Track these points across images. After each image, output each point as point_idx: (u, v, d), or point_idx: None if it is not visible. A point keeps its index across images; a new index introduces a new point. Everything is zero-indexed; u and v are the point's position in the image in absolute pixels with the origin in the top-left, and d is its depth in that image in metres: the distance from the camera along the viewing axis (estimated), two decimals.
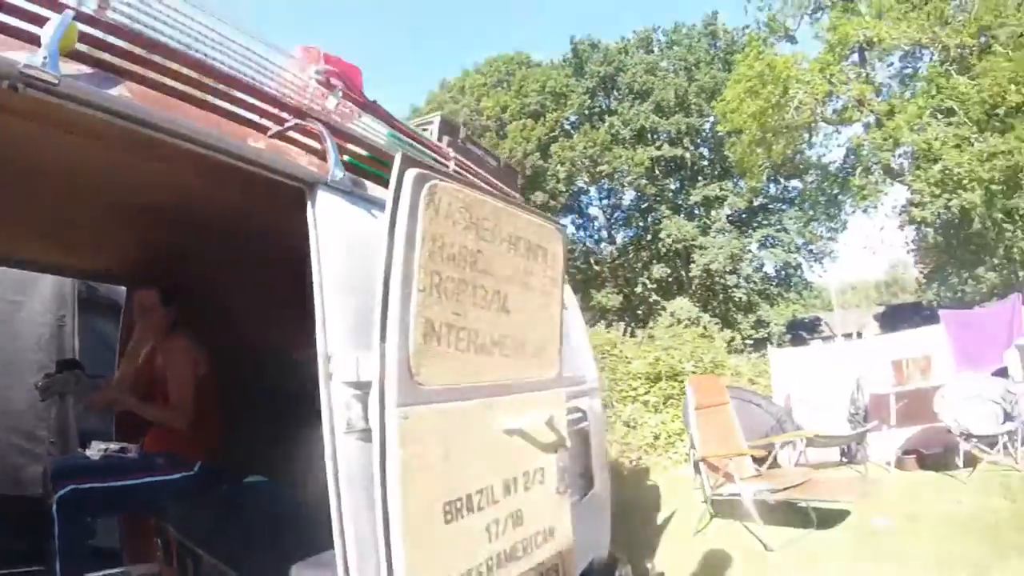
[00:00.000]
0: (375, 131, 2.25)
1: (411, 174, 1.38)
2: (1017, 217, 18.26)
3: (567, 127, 32.23)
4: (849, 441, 7.50)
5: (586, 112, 31.92)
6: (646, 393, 9.43)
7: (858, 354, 8.61)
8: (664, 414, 9.00)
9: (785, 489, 5.20)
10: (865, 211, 23.82)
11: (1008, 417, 6.48)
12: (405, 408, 1.38)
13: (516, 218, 1.70)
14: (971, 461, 6.33)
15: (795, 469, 6.31)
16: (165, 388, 3.00)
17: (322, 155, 1.80)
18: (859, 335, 20.58)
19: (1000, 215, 18.38)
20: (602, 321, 17.54)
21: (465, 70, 34.95)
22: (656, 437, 8.80)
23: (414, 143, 2.43)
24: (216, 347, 3.17)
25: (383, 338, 1.37)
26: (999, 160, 17.29)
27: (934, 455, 6.89)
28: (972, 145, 18.01)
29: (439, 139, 2.88)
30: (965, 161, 17.71)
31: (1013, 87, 17.58)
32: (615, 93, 31.80)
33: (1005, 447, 6.32)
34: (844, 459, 7.63)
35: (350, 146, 2.02)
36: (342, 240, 1.67)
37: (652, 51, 32.39)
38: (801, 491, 5.23)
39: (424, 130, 2.92)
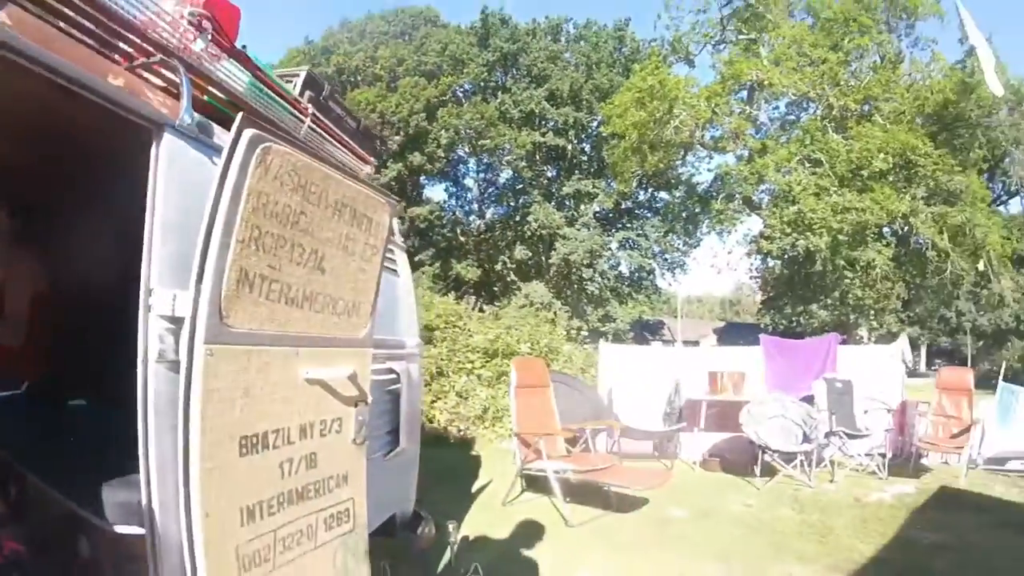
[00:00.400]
0: (237, 79, 2.25)
1: (247, 134, 1.48)
2: (857, 267, 20.22)
3: (459, 94, 32.05)
4: (659, 437, 8.17)
5: (481, 84, 31.88)
6: (482, 367, 9.72)
7: (681, 360, 9.18)
8: (496, 389, 9.31)
9: (588, 471, 5.62)
10: (720, 233, 25.60)
11: (807, 439, 7.26)
12: (212, 345, 1.49)
13: (345, 186, 1.83)
14: (768, 472, 6.98)
15: (601, 455, 6.70)
16: (1, 300, 2.87)
17: (176, 96, 1.82)
18: (697, 344, 22.13)
19: (842, 262, 20.33)
20: (454, 292, 17.70)
21: (370, 13, 33.96)
22: (485, 410, 9.13)
23: (272, 95, 2.44)
24: (58, 270, 3.06)
25: (199, 280, 1.48)
26: (851, 215, 19.21)
27: (736, 461, 7.61)
28: (830, 196, 19.78)
29: (301, 94, 2.90)
30: (820, 209, 19.48)
31: (880, 155, 19.53)
32: (514, 72, 31.91)
33: (801, 464, 7.02)
34: (656, 453, 8.26)
35: (210, 90, 2.03)
36: (178, 183, 1.71)
37: (559, 40, 32.67)
38: (605, 476, 5.66)
39: (288, 82, 2.92)
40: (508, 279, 30.46)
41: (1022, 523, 5.56)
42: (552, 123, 30.39)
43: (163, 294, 1.59)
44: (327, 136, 2.77)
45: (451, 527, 4.13)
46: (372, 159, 3.35)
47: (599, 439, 7.84)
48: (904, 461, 7.94)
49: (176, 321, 1.57)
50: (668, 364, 8.95)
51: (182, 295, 1.54)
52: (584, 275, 29.39)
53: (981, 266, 21.01)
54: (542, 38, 31.92)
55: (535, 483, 5.93)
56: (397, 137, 28.79)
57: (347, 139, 2.96)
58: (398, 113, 28.84)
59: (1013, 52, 54.24)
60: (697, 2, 24.56)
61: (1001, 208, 27.99)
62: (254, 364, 1.60)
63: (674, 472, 7.39)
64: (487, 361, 9.86)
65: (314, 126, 2.64)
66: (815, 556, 4.59)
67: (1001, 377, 9.29)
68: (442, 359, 9.62)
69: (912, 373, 25.61)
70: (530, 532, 4.84)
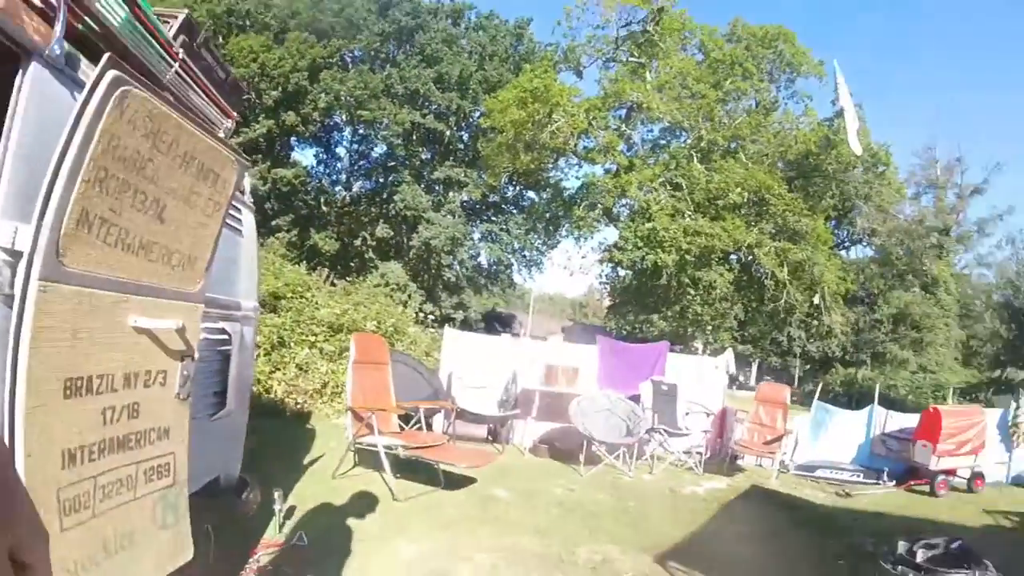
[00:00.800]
0: (114, 13, 2.19)
1: (110, 76, 1.48)
2: (700, 286, 21.69)
3: (347, 59, 31.16)
4: (494, 422, 8.49)
5: (371, 53, 31.21)
6: (325, 341, 9.55)
7: (521, 352, 9.45)
8: (337, 364, 9.17)
9: (418, 448, 5.77)
10: (577, 239, 26.63)
11: (630, 433, 7.91)
12: (46, 282, 1.48)
13: (197, 139, 1.83)
14: (592, 461, 7.48)
15: (432, 433, 6.91)
16: None
17: (50, 23, 1.75)
18: (544, 339, 22.91)
19: (687, 280, 21.73)
20: (308, 262, 17.25)
21: None
22: (324, 385, 8.99)
23: (146, 36, 2.38)
24: None
25: (41, 215, 1.46)
26: (701, 239, 20.67)
27: (564, 450, 8.06)
28: (684, 219, 21.28)
29: (175, 37, 2.82)
30: (673, 229, 20.84)
31: (737, 190, 21.25)
32: (407, 48, 31.35)
33: (623, 456, 7.67)
34: (489, 438, 8.60)
35: (86, 20, 1.96)
36: (37, 114, 1.66)
37: (459, 25, 32.43)
38: (434, 453, 5.83)
39: (165, 23, 2.83)
40: (366, 256, 29.92)
41: (822, 521, 6.31)
42: (435, 106, 30.07)
43: (5, 226, 1.56)
44: (193, 85, 2.71)
45: (277, 495, 4.13)
46: (235, 114, 3.29)
47: (436, 421, 8.04)
48: (720, 461, 8.79)
49: (15, 255, 1.54)
50: (508, 354, 9.24)
51: (24, 228, 1.52)
52: (443, 261, 29.47)
53: (816, 300, 23.15)
54: (443, 20, 31.61)
55: (367, 458, 5.99)
56: (274, 92, 27.45)
57: (212, 90, 2.90)
58: (280, 68, 27.47)
59: (877, 121, 60.76)
60: (597, 18, 25.17)
61: (843, 252, 31.08)
62: (85, 306, 1.59)
63: (504, 456, 7.76)
64: (331, 335, 9.69)
65: (182, 72, 2.57)
66: (627, 538, 4.99)
67: (816, 396, 10.38)
68: (285, 329, 9.36)
69: (742, 386, 27.96)
70: (358, 504, 4.91)
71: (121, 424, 1.77)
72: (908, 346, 30.24)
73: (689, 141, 23.74)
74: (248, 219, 3.31)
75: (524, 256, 32.78)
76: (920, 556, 3.15)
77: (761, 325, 27.16)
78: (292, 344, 9.31)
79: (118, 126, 1.53)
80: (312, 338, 9.54)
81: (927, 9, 58.45)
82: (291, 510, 4.42)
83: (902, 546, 3.24)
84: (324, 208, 31.73)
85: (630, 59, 24.92)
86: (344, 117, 31.09)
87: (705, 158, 22.92)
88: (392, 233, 30.08)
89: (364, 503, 4.97)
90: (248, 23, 29.23)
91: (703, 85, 22.75)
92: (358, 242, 30.63)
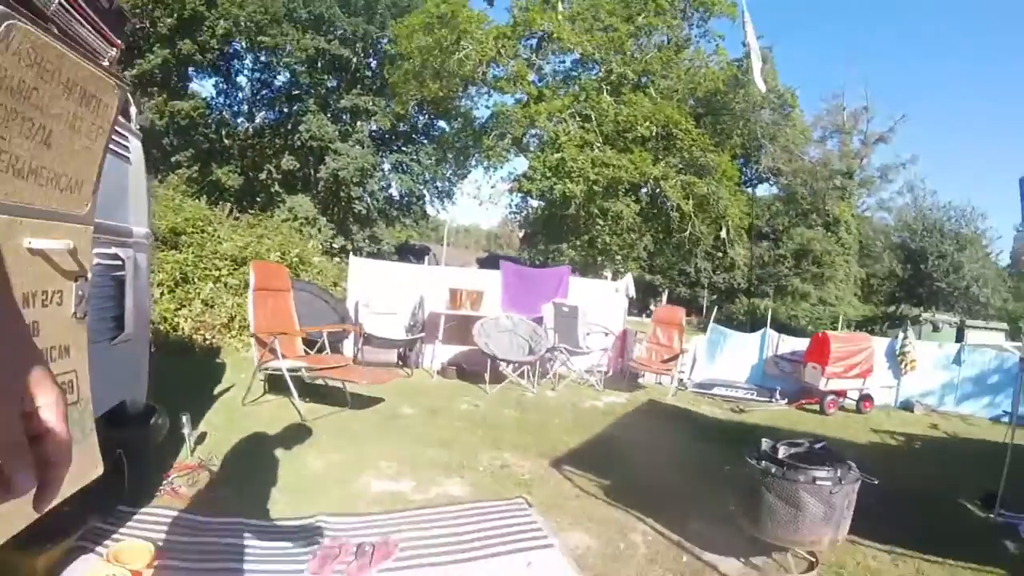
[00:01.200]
0: None
1: None
2: (608, 216, 22.18)
3: None
4: (401, 346, 8.76)
5: None
6: (229, 275, 9.48)
7: (427, 277, 9.68)
8: (243, 298, 9.06)
9: (322, 369, 6.00)
10: (487, 168, 26.61)
11: (532, 352, 8.38)
12: None
13: (78, 66, 1.91)
14: (498, 379, 7.94)
15: (336, 356, 7.07)
16: None
17: None
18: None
19: (596, 211, 22.17)
20: (210, 197, 16.65)
21: None
22: (232, 319, 8.96)
23: None
24: None
25: None
26: (608, 170, 21.06)
27: (471, 371, 8.48)
28: (592, 151, 21.58)
29: None
30: (581, 160, 21.13)
31: (644, 123, 21.68)
32: None
33: (526, 374, 8.17)
34: (399, 362, 8.88)
35: None
36: None
37: None
38: (338, 373, 6.07)
39: None
40: (273, 190, 28.82)
41: (715, 433, 6.89)
42: (341, 32, 28.58)
43: None
44: (76, 15, 2.68)
45: (185, 419, 4.26)
46: (119, 42, 3.24)
47: (346, 348, 8.22)
48: (621, 379, 9.39)
49: None
50: (414, 280, 9.46)
51: None
52: (353, 193, 28.86)
53: (722, 233, 24.15)
54: None
55: (277, 385, 6.15)
56: (169, 20, 25.50)
57: (96, 19, 2.87)
58: None
59: (787, 64, 62.01)
60: None
61: (749, 190, 32.36)
62: None
63: (413, 378, 8.11)
64: (235, 269, 9.59)
65: (65, 3, 2.55)
66: (527, 446, 5.40)
67: (712, 319, 11.09)
68: (188, 265, 9.18)
69: (651, 315, 29.15)
70: (267, 427, 5.09)
71: None
72: (809, 280, 32.61)
73: (600, 74, 23.86)
74: (136, 146, 3.32)
75: (436, 187, 32.40)
76: (782, 453, 3.36)
77: (668, 256, 28.32)
78: (196, 280, 9.19)
79: (4, 58, 1.60)
80: (216, 273, 9.44)
81: None
82: (202, 436, 4.58)
83: (766, 443, 3.42)
84: (226, 141, 30.06)
85: None
86: (244, 44, 29.03)
87: (615, 91, 23.14)
88: (298, 165, 28.95)
89: (273, 426, 5.17)
90: None
91: (615, 19, 22.82)
92: (263, 176, 29.36)
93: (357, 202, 29.18)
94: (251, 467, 4.24)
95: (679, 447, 5.99)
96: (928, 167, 66.71)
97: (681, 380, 9.31)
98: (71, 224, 2.16)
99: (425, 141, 31.71)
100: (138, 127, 3.41)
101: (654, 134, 22.18)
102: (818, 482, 3.11)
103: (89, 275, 2.24)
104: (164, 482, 3.75)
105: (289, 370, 5.71)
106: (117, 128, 2.58)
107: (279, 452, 4.54)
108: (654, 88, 23.54)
